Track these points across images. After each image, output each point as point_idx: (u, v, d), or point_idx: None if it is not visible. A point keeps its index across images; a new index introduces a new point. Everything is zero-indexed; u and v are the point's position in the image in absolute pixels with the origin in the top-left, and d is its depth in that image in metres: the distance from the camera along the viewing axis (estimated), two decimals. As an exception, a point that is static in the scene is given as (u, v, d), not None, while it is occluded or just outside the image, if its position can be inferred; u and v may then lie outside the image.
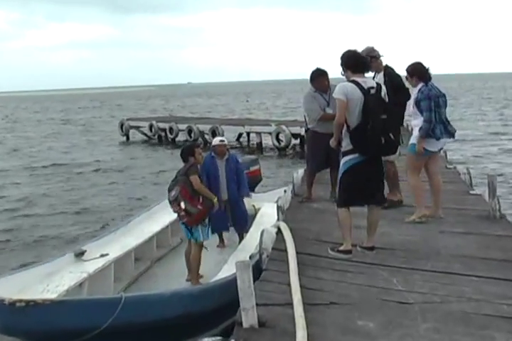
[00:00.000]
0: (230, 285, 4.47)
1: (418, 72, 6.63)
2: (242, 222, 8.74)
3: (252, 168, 12.57)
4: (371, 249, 5.59)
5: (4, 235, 12.06)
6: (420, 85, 6.59)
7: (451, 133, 6.69)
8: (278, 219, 7.30)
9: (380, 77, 6.95)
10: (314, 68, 7.78)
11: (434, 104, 6.48)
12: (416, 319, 4.03)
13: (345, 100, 5.26)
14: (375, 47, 7.15)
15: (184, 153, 7.37)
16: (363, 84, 5.31)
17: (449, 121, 6.75)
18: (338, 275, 4.97)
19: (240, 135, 29.00)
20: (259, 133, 26.71)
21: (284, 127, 24.54)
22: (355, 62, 5.47)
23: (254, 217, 9.32)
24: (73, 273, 6.55)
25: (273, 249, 5.72)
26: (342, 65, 5.53)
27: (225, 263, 7.05)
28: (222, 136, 27.41)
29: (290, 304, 4.15)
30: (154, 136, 31.60)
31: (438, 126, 6.52)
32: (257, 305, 4.11)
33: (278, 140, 25.03)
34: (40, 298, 4.39)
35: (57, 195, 16.75)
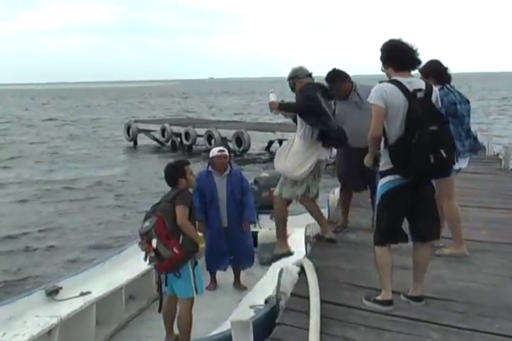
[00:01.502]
0: None
1: (434, 71, 6.27)
2: (244, 257, 8.42)
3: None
4: (419, 299, 5.18)
5: None
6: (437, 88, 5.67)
7: (473, 150, 6.37)
8: (306, 253, 6.94)
9: None
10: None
11: (448, 112, 6.02)
12: None
13: (383, 106, 4.86)
14: (304, 67, 7.12)
15: (170, 173, 6.42)
16: (408, 86, 4.89)
17: (472, 135, 6.41)
18: (372, 336, 4.56)
19: (271, 143, 28.64)
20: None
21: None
22: (399, 55, 5.02)
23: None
24: (40, 317, 6.21)
25: (292, 294, 5.35)
26: (382, 58, 5.13)
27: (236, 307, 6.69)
28: (249, 143, 27.23)
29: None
30: (167, 142, 31.49)
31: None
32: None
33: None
34: None
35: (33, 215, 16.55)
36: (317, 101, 6.66)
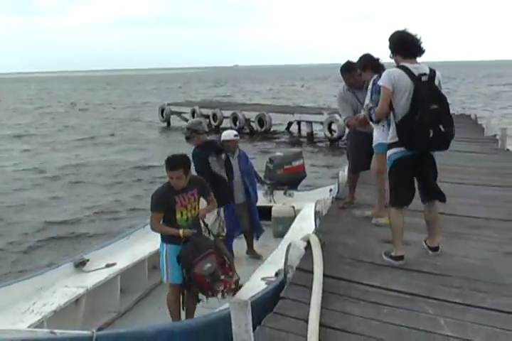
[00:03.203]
0: None
1: (369, 64, 6.46)
2: (256, 226, 8.22)
3: (295, 163, 11.91)
4: (436, 249, 5.47)
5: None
6: (375, 76, 6.18)
7: None
8: (315, 228, 6.68)
9: None
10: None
11: None
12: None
13: (391, 89, 5.04)
14: (203, 123, 7.63)
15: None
16: (414, 71, 5.03)
17: None
18: (371, 310, 4.26)
19: (290, 124, 28.44)
20: (310, 123, 26.09)
21: (337, 116, 22.97)
22: (406, 45, 5.16)
23: (292, 220, 8.67)
24: (68, 287, 6.03)
25: (298, 269, 5.08)
26: (391, 48, 5.24)
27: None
28: (270, 124, 27.08)
29: (303, 351, 3.49)
30: (197, 122, 31.34)
31: None
32: (261, 350, 3.50)
33: (330, 130, 24.27)
34: None
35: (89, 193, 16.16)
36: (208, 166, 7.12)
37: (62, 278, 6.24)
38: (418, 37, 5.13)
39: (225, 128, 28.09)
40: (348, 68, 6.94)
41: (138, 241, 7.62)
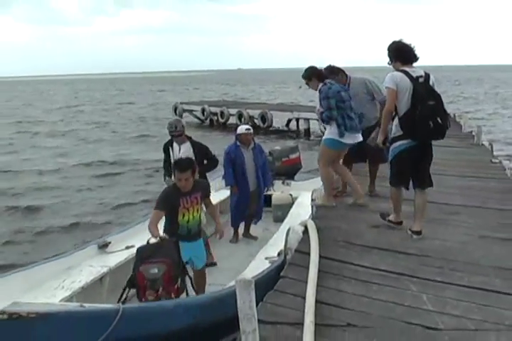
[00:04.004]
0: None
1: (314, 74, 6.50)
2: (259, 213, 8.23)
3: (292, 156, 11.88)
4: (419, 233, 5.52)
5: (27, 223, 11.54)
6: (320, 85, 6.41)
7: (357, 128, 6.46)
8: (311, 214, 6.68)
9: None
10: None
11: (336, 99, 6.28)
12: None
13: (395, 89, 5.30)
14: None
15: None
16: (412, 74, 5.33)
17: (358, 114, 6.53)
18: (362, 288, 4.27)
19: (289, 121, 28.39)
20: (307, 120, 26.02)
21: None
22: (404, 53, 5.45)
23: (290, 207, 8.67)
24: (93, 266, 6.04)
25: (296, 251, 5.08)
26: (390, 56, 5.53)
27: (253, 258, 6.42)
28: (271, 121, 27.03)
29: (301, 324, 3.50)
30: (206, 119, 31.31)
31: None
32: (263, 322, 3.52)
33: (325, 127, 24.19)
34: (25, 311, 3.84)
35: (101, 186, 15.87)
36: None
37: (88, 258, 6.25)
38: (412, 46, 5.43)
39: (232, 124, 28.21)
40: (331, 71, 6.93)
41: None
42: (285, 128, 28.35)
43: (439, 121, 5.22)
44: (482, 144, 11.77)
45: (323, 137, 6.60)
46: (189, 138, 7.24)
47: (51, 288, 5.43)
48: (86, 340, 3.79)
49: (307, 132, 26.12)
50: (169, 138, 7.28)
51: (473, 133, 12.76)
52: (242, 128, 7.92)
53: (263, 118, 27.02)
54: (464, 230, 5.79)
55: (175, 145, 7.22)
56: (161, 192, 5.49)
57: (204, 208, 5.94)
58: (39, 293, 5.24)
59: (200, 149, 7.10)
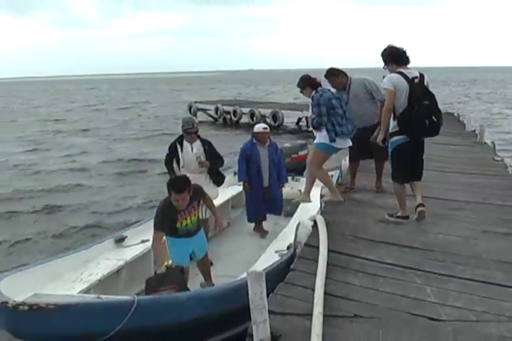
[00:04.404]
0: None
1: (307, 82, 6.51)
2: (278, 209, 8.11)
3: (301, 153, 11.86)
4: (421, 205, 5.68)
5: (46, 220, 11.35)
6: (313, 93, 6.42)
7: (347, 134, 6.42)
8: (320, 209, 6.66)
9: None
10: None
11: (327, 106, 6.26)
12: (447, 341, 3.32)
13: (393, 89, 5.41)
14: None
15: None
16: (408, 75, 5.44)
17: (350, 120, 6.46)
18: (368, 281, 4.26)
19: (300, 119, 28.28)
20: (316, 118, 25.90)
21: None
22: (399, 56, 5.56)
23: (299, 202, 8.64)
24: (110, 260, 6.03)
25: (306, 244, 5.08)
26: (386, 60, 5.63)
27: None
28: (282, 120, 26.96)
29: (310, 315, 3.50)
30: (219, 118, 31.18)
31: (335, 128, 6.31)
32: (274, 313, 3.52)
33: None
34: (44, 302, 3.87)
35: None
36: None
37: (105, 252, 6.22)
38: (404, 49, 5.57)
39: (244, 123, 28.17)
40: (332, 73, 6.93)
41: None
42: (295, 127, 28.26)
43: (434, 119, 5.39)
44: (485, 142, 11.70)
45: (315, 141, 6.54)
46: (198, 136, 7.14)
47: (70, 280, 5.42)
48: (102, 330, 3.81)
49: (316, 131, 26.04)
50: (175, 137, 7.11)
51: (477, 132, 12.71)
52: (259, 127, 7.88)
53: (274, 117, 26.90)
54: (467, 225, 5.76)
55: (185, 143, 6.94)
56: (156, 211, 5.21)
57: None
58: (58, 285, 5.23)
59: (210, 146, 7.03)
